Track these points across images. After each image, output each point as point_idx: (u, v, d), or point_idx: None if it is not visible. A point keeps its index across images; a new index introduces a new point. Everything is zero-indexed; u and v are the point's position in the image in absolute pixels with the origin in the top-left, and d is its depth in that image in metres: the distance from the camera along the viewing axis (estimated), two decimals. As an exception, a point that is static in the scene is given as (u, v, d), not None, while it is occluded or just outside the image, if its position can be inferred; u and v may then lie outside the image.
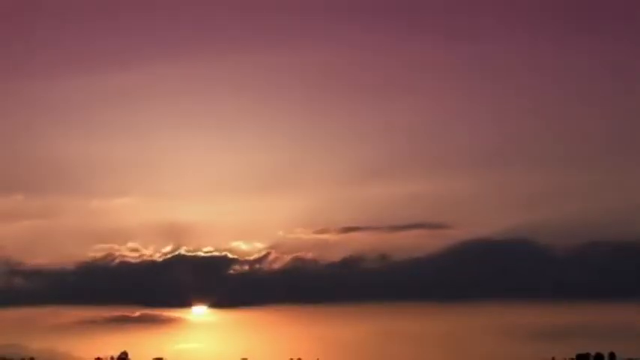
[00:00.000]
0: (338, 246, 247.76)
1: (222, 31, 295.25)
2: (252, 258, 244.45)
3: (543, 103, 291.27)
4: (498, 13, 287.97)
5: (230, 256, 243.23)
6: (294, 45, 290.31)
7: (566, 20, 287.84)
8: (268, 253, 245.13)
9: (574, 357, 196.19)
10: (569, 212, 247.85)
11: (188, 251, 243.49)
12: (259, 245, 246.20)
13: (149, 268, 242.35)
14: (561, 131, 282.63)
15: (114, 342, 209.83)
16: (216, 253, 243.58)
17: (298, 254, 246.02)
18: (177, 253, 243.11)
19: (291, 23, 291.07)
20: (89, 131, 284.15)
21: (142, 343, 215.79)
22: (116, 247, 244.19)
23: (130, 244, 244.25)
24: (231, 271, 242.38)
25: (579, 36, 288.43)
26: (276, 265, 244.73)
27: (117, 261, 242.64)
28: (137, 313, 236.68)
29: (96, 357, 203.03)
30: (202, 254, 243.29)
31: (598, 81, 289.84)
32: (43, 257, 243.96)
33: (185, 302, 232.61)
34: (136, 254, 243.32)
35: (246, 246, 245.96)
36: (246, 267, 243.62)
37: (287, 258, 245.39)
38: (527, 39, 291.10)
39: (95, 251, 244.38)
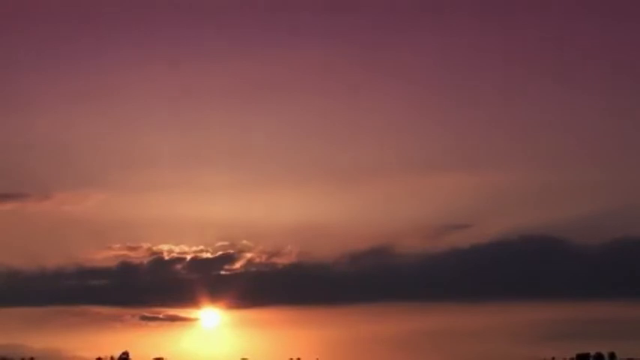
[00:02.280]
0: (343, 244, 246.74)
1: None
2: (254, 257, 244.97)
3: (559, 99, 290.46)
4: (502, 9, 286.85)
5: (232, 255, 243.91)
6: (320, 42, 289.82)
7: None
8: (271, 253, 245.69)
9: (574, 357, 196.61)
10: (570, 212, 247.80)
11: (187, 251, 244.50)
12: (262, 244, 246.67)
13: (147, 267, 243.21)
14: (578, 127, 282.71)
15: (114, 342, 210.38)
16: (216, 253, 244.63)
17: (302, 254, 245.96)
18: (176, 252, 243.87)
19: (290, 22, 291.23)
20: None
21: (142, 342, 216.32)
22: (115, 246, 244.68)
23: (129, 244, 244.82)
24: (235, 271, 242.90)
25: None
26: (280, 265, 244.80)
27: (118, 261, 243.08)
28: (138, 313, 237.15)
29: (96, 357, 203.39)
30: (203, 254, 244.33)
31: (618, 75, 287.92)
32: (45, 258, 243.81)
33: (187, 302, 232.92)
34: (135, 254, 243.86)
35: (249, 245, 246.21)
36: (249, 266, 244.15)
37: (291, 257, 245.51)
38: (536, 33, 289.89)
39: (95, 251, 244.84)
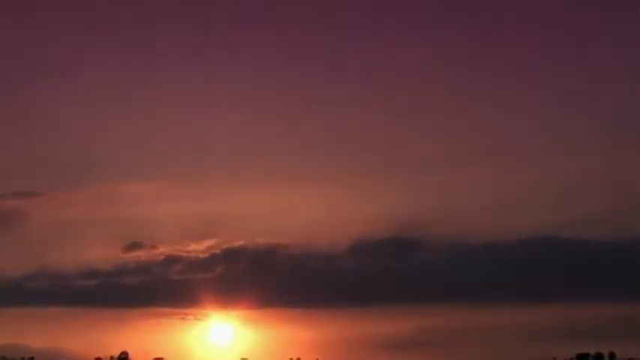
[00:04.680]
0: (348, 243, 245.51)
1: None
2: (256, 255, 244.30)
3: (581, 92, 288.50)
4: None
5: (234, 254, 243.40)
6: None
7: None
8: (274, 250, 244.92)
9: (574, 357, 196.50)
10: (570, 212, 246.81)
11: (186, 249, 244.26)
12: (264, 241, 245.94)
13: (147, 267, 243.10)
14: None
15: (114, 342, 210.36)
16: (216, 252, 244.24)
17: (309, 252, 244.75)
18: (176, 251, 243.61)
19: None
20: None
21: (142, 342, 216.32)
22: (116, 245, 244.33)
23: (129, 243, 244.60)
24: (236, 270, 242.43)
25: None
26: (285, 264, 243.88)
27: (118, 260, 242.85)
28: (138, 313, 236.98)
29: (96, 357, 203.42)
30: (202, 254, 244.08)
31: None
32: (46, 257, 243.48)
33: (186, 302, 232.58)
34: (135, 253, 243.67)
35: (252, 242, 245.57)
36: (251, 265, 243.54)
37: (295, 257, 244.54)
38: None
39: (96, 250, 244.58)
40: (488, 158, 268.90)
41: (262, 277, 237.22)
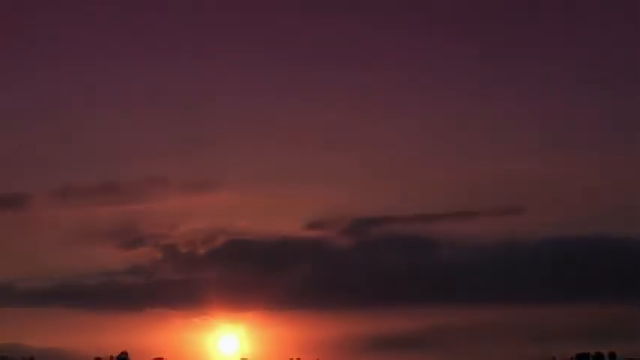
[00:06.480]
0: (353, 241, 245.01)
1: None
2: (257, 254, 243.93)
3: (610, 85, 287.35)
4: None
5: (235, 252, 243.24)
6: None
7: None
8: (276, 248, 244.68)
9: (574, 357, 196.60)
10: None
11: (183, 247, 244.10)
12: (266, 239, 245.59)
13: (146, 266, 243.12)
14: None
15: (114, 342, 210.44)
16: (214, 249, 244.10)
17: (312, 251, 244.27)
18: (176, 249, 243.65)
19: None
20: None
21: (142, 342, 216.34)
22: (116, 244, 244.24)
23: (126, 241, 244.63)
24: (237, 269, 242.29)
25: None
26: (288, 264, 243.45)
27: (116, 259, 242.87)
28: (138, 313, 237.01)
29: (96, 357, 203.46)
30: (198, 250, 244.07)
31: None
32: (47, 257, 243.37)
33: (187, 301, 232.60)
34: (135, 252, 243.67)
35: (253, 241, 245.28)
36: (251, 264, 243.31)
37: (298, 256, 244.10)
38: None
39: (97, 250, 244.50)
40: (497, 157, 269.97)
41: (264, 278, 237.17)
